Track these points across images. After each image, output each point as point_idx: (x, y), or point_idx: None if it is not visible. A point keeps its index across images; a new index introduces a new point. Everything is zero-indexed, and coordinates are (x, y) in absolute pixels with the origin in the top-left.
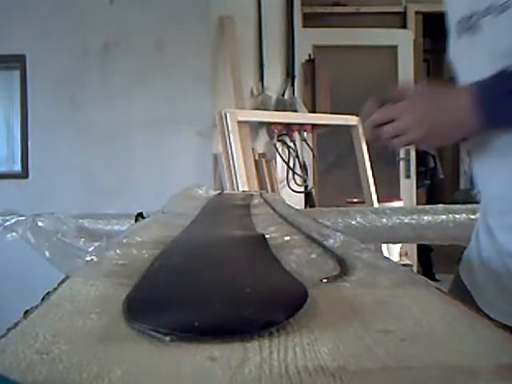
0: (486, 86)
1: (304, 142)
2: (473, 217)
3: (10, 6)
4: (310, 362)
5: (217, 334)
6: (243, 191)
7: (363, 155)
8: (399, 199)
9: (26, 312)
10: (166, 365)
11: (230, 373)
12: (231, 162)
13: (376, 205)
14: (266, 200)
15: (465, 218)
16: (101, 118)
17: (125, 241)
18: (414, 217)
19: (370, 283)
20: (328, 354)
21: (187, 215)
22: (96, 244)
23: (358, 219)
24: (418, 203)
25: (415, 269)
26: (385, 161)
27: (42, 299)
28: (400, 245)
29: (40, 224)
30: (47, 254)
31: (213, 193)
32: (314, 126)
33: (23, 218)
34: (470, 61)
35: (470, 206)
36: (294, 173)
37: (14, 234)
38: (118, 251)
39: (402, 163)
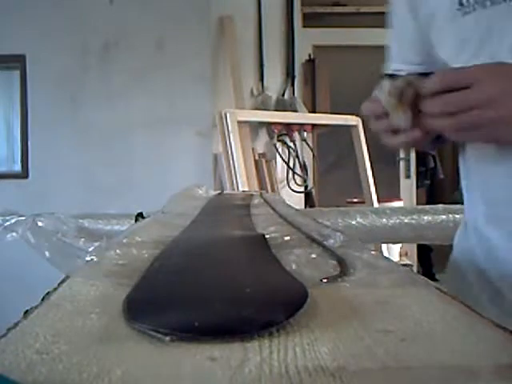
0: None
1: (304, 142)
2: None
3: (10, 6)
4: (309, 361)
5: (217, 334)
6: (243, 191)
7: (363, 155)
8: (399, 199)
9: (26, 312)
10: (166, 365)
11: (230, 373)
12: (231, 161)
13: (376, 205)
14: (266, 200)
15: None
16: (101, 118)
17: (125, 241)
18: (414, 217)
19: (369, 283)
20: (328, 353)
21: (187, 215)
22: (96, 244)
23: (357, 219)
24: (418, 203)
25: (415, 269)
26: (385, 161)
27: (42, 299)
28: (400, 245)
29: (40, 224)
30: (47, 254)
31: (213, 193)
32: (313, 125)
33: (23, 218)
34: None
35: None
36: (294, 173)
37: (13, 233)
38: (118, 251)
39: (401, 163)
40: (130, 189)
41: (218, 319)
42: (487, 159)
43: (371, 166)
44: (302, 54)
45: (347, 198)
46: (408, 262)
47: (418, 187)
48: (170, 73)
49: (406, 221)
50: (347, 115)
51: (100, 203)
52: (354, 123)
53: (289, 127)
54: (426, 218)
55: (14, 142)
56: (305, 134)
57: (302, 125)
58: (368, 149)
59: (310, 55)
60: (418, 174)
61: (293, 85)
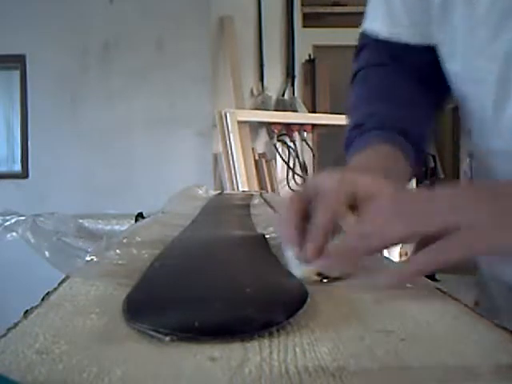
0: None
1: (304, 142)
2: None
3: (10, 6)
4: (310, 361)
5: (217, 334)
6: (243, 191)
7: None
8: None
9: (26, 312)
10: (165, 365)
11: (230, 373)
12: (231, 162)
13: None
14: (266, 200)
15: None
16: (101, 118)
17: (125, 241)
18: None
19: (370, 283)
20: (328, 354)
21: (187, 215)
22: (96, 244)
23: None
24: None
25: None
26: None
27: (42, 299)
28: (400, 245)
29: (40, 224)
30: (47, 254)
31: (213, 193)
32: (313, 125)
33: (23, 218)
34: None
35: None
36: (294, 173)
37: (13, 233)
38: (117, 251)
39: None
40: (129, 189)
41: (218, 319)
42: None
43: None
44: (302, 54)
45: None
46: None
47: (417, 187)
48: (169, 73)
49: None
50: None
51: (100, 203)
52: None
53: (289, 127)
54: None
55: (14, 141)
56: (305, 134)
57: (302, 125)
58: None
59: (309, 55)
60: None
61: (293, 85)
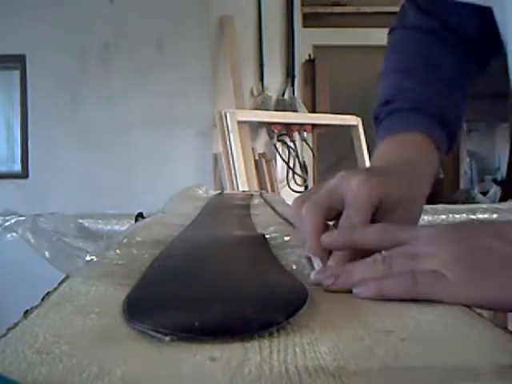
0: None
1: (304, 142)
2: (473, 217)
3: (10, 6)
4: (310, 361)
5: (217, 334)
6: (243, 191)
7: (363, 155)
8: None
9: (26, 312)
10: (165, 365)
11: (230, 373)
12: (231, 162)
13: None
14: (266, 200)
15: (465, 218)
16: (101, 118)
17: (125, 241)
18: None
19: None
20: (328, 354)
21: (187, 215)
22: (96, 244)
23: None
24: None
25: None
26: None
27: (42, 299)
28: None
29: (40, 224)
30: (47, 254)
31: (213, 193)
32: (313, 125)
33: (23, 218)
34: None
35: (470, 206)
36: (294, 173)
37: (13, 233)
38: (117, 251)
39: None
40: (129, 189)
41: (218, 319)
42: None
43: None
44: (302, 54)
45: None
46: None
47: None
48: (170, 73)
49: None
50: (347, 115)
51: (100, 203)
52: (354, 123)
53: (289, 127)
54: (425, 217)
55: (14, 141)
56: (305, 134)
57: (302, 125)
58: (368, 149)
59: (309, 55)
60: None
61: (293, 85)
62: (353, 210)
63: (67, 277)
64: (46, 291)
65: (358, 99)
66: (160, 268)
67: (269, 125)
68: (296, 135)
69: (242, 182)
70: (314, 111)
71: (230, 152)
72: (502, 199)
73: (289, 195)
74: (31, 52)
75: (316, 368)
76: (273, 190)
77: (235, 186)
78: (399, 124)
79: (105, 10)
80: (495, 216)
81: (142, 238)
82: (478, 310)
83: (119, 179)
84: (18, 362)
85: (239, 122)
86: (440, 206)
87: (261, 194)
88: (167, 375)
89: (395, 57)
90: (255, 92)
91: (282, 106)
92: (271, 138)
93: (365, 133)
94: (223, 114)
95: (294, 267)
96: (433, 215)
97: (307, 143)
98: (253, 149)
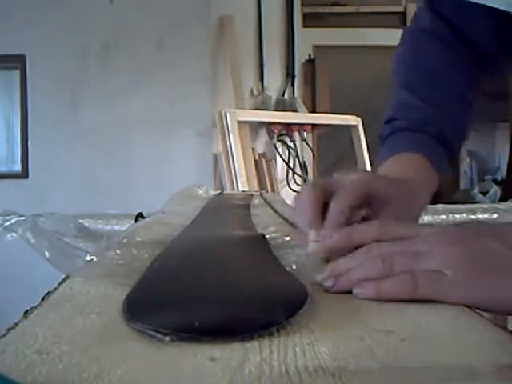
0: None
1: (304, 142)
2: (473, 217)
3: (10, 6)
4: (310, 361)
5: (217, 334)
6: (243, 191)
7: (363, 155)
8: None
9: (26, 312)
10: (166, 365)
11: (230, 373)
12: (231, 162)
13: None
14: (266, 200)
15: (465, 218)
16: (101, 118)
17: (125, 241)
18: None
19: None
20: (328, 354)
21: (187, 215)
22: (96, 244)
23: None
24: None
25: None
26: None
27: (42, 299)
28: None
29: (40, 224)
30: (47, 254)
31: (213, 193)
32: (313, 125)
33: (23, 218)
34: None
35: (469, 206)
36: (294, 173)
37: (13, 234)
38: (117, 251)
39: None
40: (130, 189)
41: (218, 319)
42: None
43: (371, 166)
44: (302, 54)
45: None
46: None
47: None
48: (169, 73)
49: None
50: (347, 115)
51: (100, 203)
52: (354, 123)
53: (289, 127)
54: (425, 217)
55: (14, 141)
56: (305, 133)
57: (302, 125)
58: (368, 149)
59: (309, 55)
60: None
61: (293, 85)
62: (341, 192)
63: (67, 277)
64: (46, 291)
65: (358, 99)
66: (160, 268)
67: (269, 125)
68: (296, 135)
69: (242, 182)
70: (314, 111)
71: (230, 152)
72: (502, 199)
73: (289, 195)
74: (31, 52)
75: (316, 368)
76: (273, 190)
77: (235, 186)
78: (400, 144)
79: (105, 10)
80: (495, 216)
81: (142, 238)
82: (478, 310)
83: (119, 179)
84: (17, 361)
85: (239, 122)
86: (440, 206)
87: (261, 194)
88: (167, 375)
89: (404, 69)
90: (255, 92)
91: (282, 106)
92: (271, 138)
93: (365, 133)
94: (223, 114)
95: (294, 267)
96: (433, 215)
97: (307, 143)
98: (253, 149)
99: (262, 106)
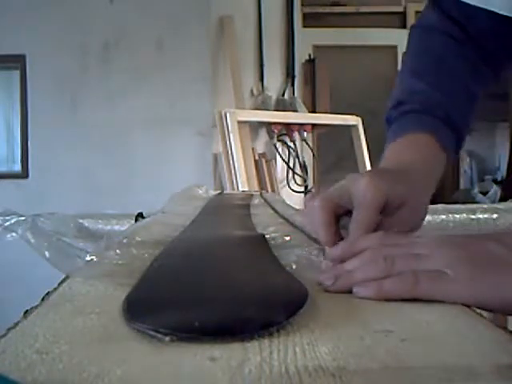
0: None
1: (304, 142)
2: (473, 217)
3: (10, 6)
4: (310, 361)
5: (217, 334)
6: (243, 191)
7: (363, 155)
8: None
9: (26, 312)
10: (165, 365)
11: (230, 373)
12: (231, 162)
13: None
14: (266, 200)
15: (465, 218)
16: (101, 118)
17: (125, 241)
18: None
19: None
20: (328, 354)
21: (187, 215)
22: (96, 244)
23: None
24: None
25: None
26: None
27: (42, 299)
28: None
29: (40, 224)
30: (47, 254)
31: (213, 193)
32: (313, 125)
33: (23, 218)
34: None
35: (469, 206)
36: (294, 173)
37: (13, 234)
38: (117, 251)
39: None
40: (129, 189)
41: (218, 319)
42: None
43: (371, 165)
44: (302, 54)
45: None
46: None
47: None
48: (169, 73)
49: None
50: (347, 115)
51: (100, 203)
52: (354, 123)
53: (289, 127)
54: (425, 217)
55: (14, 142)
56: (305, 133)
57: (302, 125)
58: (368, 149)
59: (310, 55)
60: None
61: (293, 85)
62: (361, 209)
63: (67, 277)
64: (46, 291)
65: (358, 99)
66: (160, 268)
67: (269, 125)
68: (296, 135)
69: (242, 182)
70: (314, 111)
71: (229, 152)
72: (502, 199)
73: (289, 195)
74: (31, 52)
75: (316, 368)
76: (273, 190)
77: (235, 186)
78: (407, 126)
79: (105, 10)
80: (495, 216)
81: (142, 238)
82: (478, 310)
83: (119, 179)
84: (17, 361)
85: (239, 122)
86: (440, 206)
87: (261, 194)
88: (167, 375)
89: (411, 58)
90: (255, 92)
91: (282, 106)
92: (271, 138)
93: (365, 133)
94: (223, 113)
95: (294, 267)
96: (433, 215)
97: (307, 143)
98: (253, 149)
99: (262, 106)
